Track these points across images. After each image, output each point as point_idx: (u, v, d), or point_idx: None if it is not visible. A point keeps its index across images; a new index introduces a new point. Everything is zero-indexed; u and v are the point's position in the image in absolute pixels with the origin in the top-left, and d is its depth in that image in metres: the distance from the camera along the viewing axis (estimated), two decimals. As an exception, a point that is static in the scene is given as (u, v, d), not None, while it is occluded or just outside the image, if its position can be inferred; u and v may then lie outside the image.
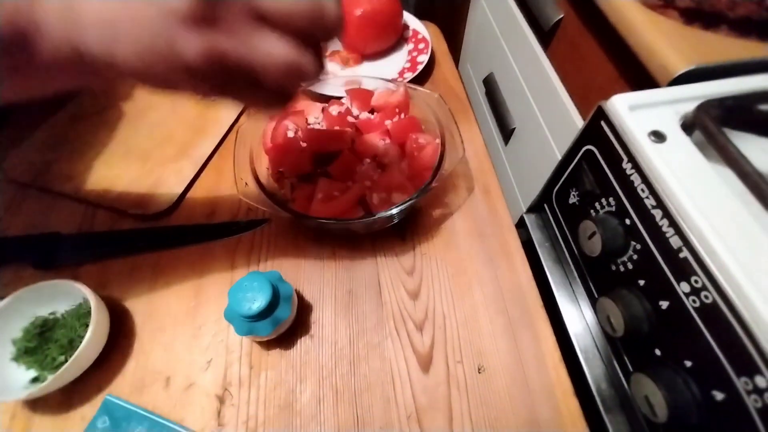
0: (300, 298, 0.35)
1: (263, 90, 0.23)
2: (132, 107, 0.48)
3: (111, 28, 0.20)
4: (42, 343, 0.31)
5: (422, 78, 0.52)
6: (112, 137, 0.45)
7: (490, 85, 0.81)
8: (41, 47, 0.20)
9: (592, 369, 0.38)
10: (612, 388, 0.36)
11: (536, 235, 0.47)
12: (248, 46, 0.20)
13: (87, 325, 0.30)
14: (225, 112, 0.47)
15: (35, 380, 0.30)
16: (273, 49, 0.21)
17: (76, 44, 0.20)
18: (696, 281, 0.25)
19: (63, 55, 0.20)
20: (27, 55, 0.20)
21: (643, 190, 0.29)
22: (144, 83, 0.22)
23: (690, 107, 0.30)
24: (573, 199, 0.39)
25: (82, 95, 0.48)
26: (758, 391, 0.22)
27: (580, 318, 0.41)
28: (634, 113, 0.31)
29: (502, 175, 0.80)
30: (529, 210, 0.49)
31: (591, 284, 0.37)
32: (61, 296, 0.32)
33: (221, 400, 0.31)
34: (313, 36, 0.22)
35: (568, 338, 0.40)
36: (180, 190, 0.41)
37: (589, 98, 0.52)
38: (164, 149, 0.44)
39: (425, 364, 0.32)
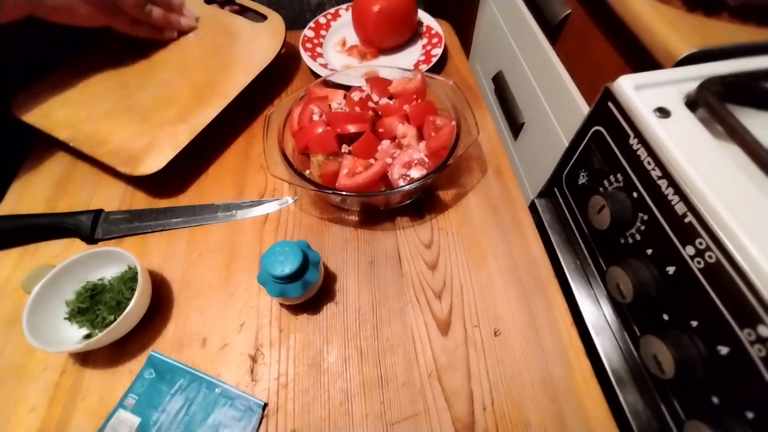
0: (325, 268, 0.37)
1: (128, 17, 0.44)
2: (144, 63, 0.48)
3: None
4: (93, 305, 0.34)
5: (436, 71, 0.54)
6: (118, 90, 0.45)
7: (499, 82, 0.83)
8: None
9: (603, 343, 0.39)
10: (622, 360, 0.38)
11: (546, 218, 0.49)
12: None
13: (132, 290, 0.33)
14: (232, 83, 0.46)
15: (87, 337, 0.33)
16: None
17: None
18: (700, 243, 0.27)
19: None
20: None
21: (649, 163, 0.31)
22: (52, 14, 0.39)
23: (693, 86, 0.32)
24: (582, 179, 0.41)
25: (93, 44, 0.49)
26: (761, 341, 0.24)
27: (590, 296, 0.42)
28: (640, 92, 0.33)
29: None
30: (540, 195, 0.51)
31: (600, 258, 0.39)
32: (108, 264, 0.35)
33: (254, 359, 0.33)
34: None
35: (580, 315, 0.42)
36: (171, 155, 0.40)
37: (597, 88, 0.54)
38: (165, 111, 0.43)
39: (444, 328, 0.34)
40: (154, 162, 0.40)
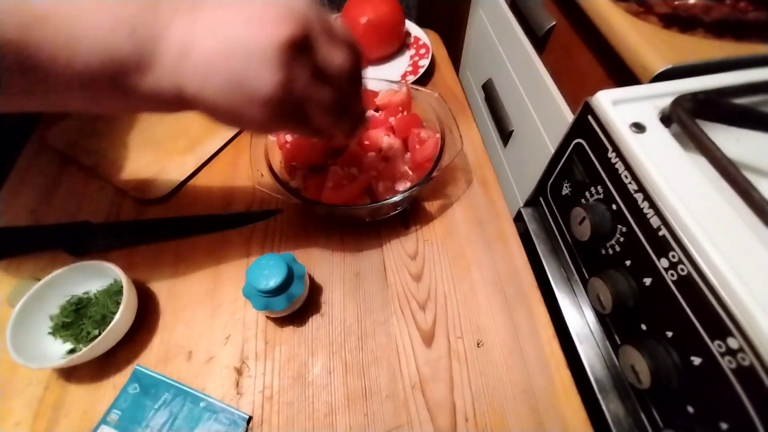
0: (311, 280, 0.38)
1: (310, 126, 0.27)
2: None
3: (208, 71, 0.22)
4: (77, 319, 0.34)
5: (423, 81, 0.55)
6: (139, 122, 0.49)
7: (488, 90, 0.84)
8: (144, 81, 0.22)
9: (587, 352, 0.40)
10: (605, 368, 0.39)
11: (533, 227, 0.50)
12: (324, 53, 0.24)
13: (118, 303, 0.33)
14: None
15: (71, 352, 0.33)
16: (341, 62, 0.25)
17: (177, 82, 0.22)
18: (673, 256, 0.28)
19: (161, 90, 0.23)
20: (124, 84, 0.22)
21: (626, 177, 0.32)
22: (218, 118, 0.25)
23: (667, 102, 0.33)
24: (565, 190, 0.42)
25: None
26: (731, 353, 0.25)
27: (575, 305, 0.43)
28: (617, 107, 0.34)
29: (501, 176, 0.83)
30: (526, 204, 0.52)
31: (583, 268, 0.40)
32: (93, 277, 0.35)
33: (239, 371, 0.33)
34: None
35: (565, 324, 0.42)
36: (177, 182, 0.45)
37: (581, 98, 0.55)
38: (177, 141, 0.48)
39: (428, 339, 0.34)
40: (161, 188, 0.44)
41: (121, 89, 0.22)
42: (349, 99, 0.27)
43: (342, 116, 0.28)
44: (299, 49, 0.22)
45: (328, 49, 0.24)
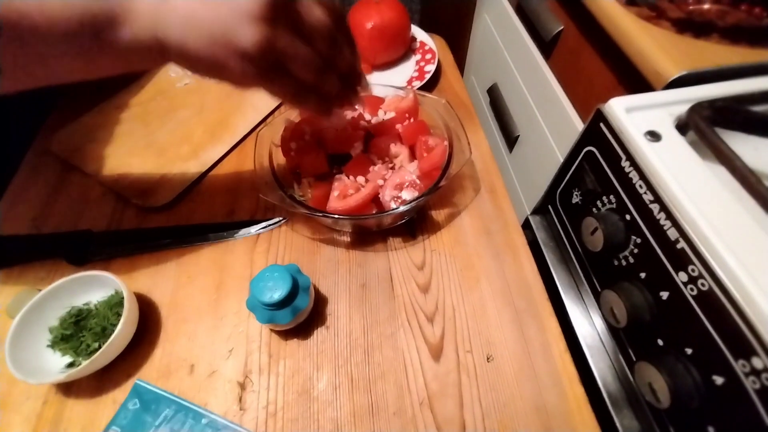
0: (316, 291, 0.37)
1: (294, 82, 0.28)
2: (167, 103, 0.52)
3: (189, 21, 0.24)
4: (77, 331, 0.33)
5: (429, 87, 0.54)
6: (140, 129, 0.49)
7: (494, 94, 0.84)
8: (123, 33, 0.24)
9: (598, 364, 0.39)
10: (617, 382, 0.37)
11: (541, 236, 0.49)
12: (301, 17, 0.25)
13: (119, 315, 0.33)
14: (242, 121, 0.50)
15: (70, 365, 0.32)
16: (320, 16, 0.26)
17: (157, 33, 0.24)
18: (693, 270, 0.27)
19: (141, 41, 0.24)
20: (106, 38, 0.24)
21: (641, 186, 0.31)
22: (199, 69, 0.26)
23: (683, 109, 0.32)
24: (576, 198, 0.41)
25: (131, 87, 0.53)
26: (756, 373, 0.24)
27: (585, 315, 0.42)
28: (631, 115, 0.33)
29: (507, 182, 0.82)
30: (534, 212, 0.51)
31: (594, 279, 0.39)
32: (94, 288, 0.34)
33: (242, 386, 0.32)
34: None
35: (575, 335, 0.41)
36: (180, 189, 0.44)
37: (590, 104, 0.55)
38: (180, 148, 0.47)
39: (436, 353, 0.33)
40: (164, 195, 0.43)
41: (105, 44, 0.24)
42: (333, 54, 0.28)
43: (325, 72, 0.28)
44: (282, 5, 0.24)
45: (308, 3, 0.26)
